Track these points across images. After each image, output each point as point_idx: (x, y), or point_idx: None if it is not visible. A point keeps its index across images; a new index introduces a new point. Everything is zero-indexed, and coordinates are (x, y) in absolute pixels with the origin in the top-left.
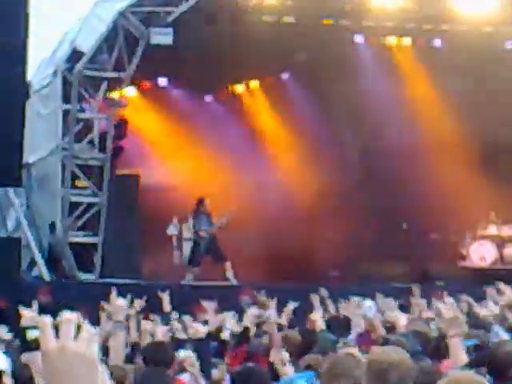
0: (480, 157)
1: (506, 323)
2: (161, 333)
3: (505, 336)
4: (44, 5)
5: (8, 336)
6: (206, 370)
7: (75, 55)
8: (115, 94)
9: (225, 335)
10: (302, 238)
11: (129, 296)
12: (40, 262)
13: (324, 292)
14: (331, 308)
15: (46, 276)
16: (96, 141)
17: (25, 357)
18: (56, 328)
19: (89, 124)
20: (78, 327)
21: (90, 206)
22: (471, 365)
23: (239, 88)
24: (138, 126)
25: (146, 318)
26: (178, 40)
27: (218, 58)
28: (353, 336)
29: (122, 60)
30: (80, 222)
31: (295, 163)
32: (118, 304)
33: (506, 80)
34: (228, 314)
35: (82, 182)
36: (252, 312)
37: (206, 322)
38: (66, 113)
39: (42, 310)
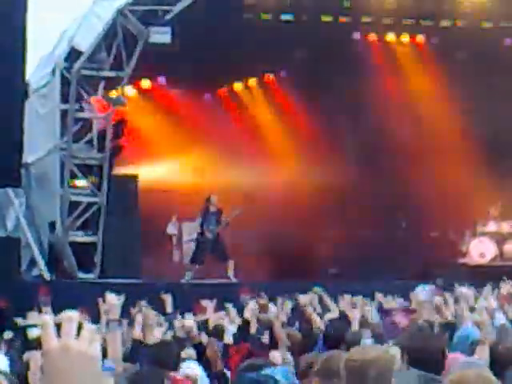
0: (479, 153)
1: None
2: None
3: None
4: (42, 3)
5: (9, 336)
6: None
7: (74, 54)
8: (114, 93)
9: (227, 338)
10: (302, 236)
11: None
12: (40, 261)
13: (319, 290)
14: (331, 306)
15: (46, 275)
16: (95, 140)
17: (25, 355)
18: (57, 327)
19: (87, 123)
20: (80, 326)
21: (89, 205)
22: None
23: (238, 86)
24: (137, 125)
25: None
26: (176, 38)
27: (217, 56)
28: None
29: (121, 59)
30: (79, 222)
31: (294, 161)
32: (113, 302)
33: (505, 76)
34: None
35: (81, 182)
36: (252, 305)
37: (206, 321)
38: (64, 112)
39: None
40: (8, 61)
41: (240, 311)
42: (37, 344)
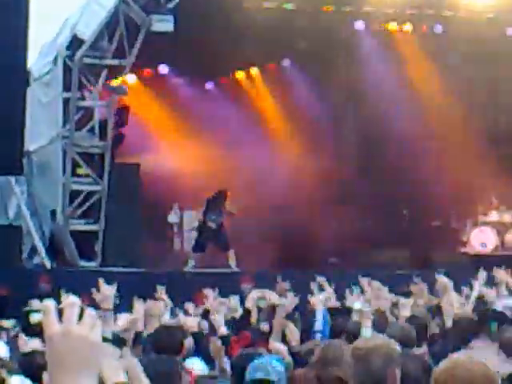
0: (481, 143)
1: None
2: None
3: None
4: None
5: (9, 324)
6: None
7: (76, 42)
8: (116, 82)
9: (222, 331)
10: (303, 225)
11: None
12: (41, 249)
13: (322, 280)
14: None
15: (47, 264)
16: (96, 129)
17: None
18: (59, 312)
19: (89, 112)
20: (81, 311)
21: (90, 193)
22: None
23: (240, 75)
24: (139, 114)
25: None
26: (179, 27)
27: (219, 45)
28: None
29: (123, 47)
30: (81, 210)
31: (296, 150)
32: (106, 292)
33: (506, 66)
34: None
35: (83, 170)
36: (253, 295)
37: (206, 311)
38: (66, 100)
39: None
40: (10, 49)
41: (241, 300)
42: (39, 329)
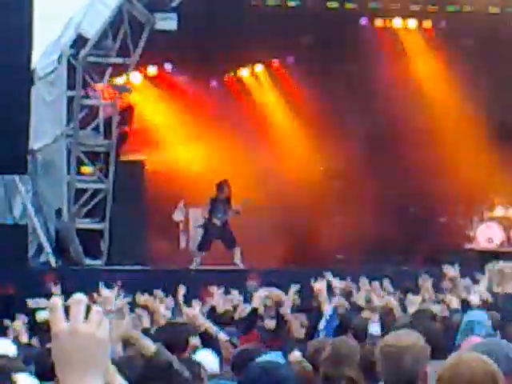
0: (487, 139)
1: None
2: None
3: None
4: None
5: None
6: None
7: (80, 41)
8: (120, 80)
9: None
10: (309, 222)
11: None
12: (47, 248)
13: (330, 277)
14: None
15: (53, 262)
16: (101, 127)
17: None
18: (66, 310)
19: (94, 110)
20: (88, 309)
21: (96, 192)
22: None
23: (244, 72)
24: (144, 112)
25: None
26: (183, 25)
27: (223, 42)
28: None
29: (127, 46)
30: (86, 209)
31: (301, 147)
32: (106, 295)
33: (511, 61)
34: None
35: (88, 169)
36: (260, 294)
37: (213, 308)
38: (70, 99)
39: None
40: (14, 48)
41: (246, 297)
42: (46, 327)
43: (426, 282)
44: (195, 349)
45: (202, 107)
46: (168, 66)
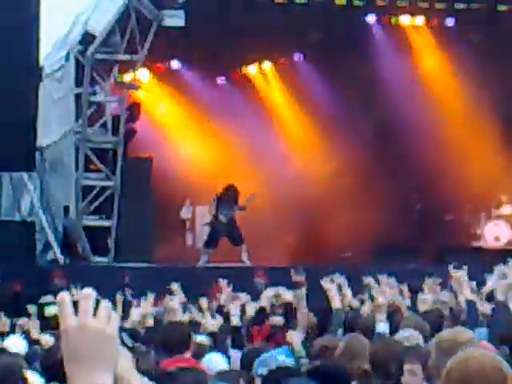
0: (495, 136)
1: None
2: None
3: None
4: None
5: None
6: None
7: (87, 38)
8: (127, 77)
9: (235, 321)
10: (316, 220)
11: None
12: (54, 245)
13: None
14: (348, 294)
15: (61, 259)
16: (109, 124)
17: None
18: (75, 305)
19: (101, 107)
20: (97, 304)
21: (103, 189)
22: None
23: (252, 69)
24: (151, 109)
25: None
26: (190, 22)
27: (230, 39)
28: None
29: (135, 43)
30: (93, 206)
31: (309, 144)
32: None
33: None
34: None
35: (96, 166)
36: (268, 293)
37: (221, 307)
38: (78, 96)
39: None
40: (22, 45)
41: (252, 294)
42: (54, 322)
43: (432, 282)
44: (204, 348)
45: (209, 104)
46: (175, 63)
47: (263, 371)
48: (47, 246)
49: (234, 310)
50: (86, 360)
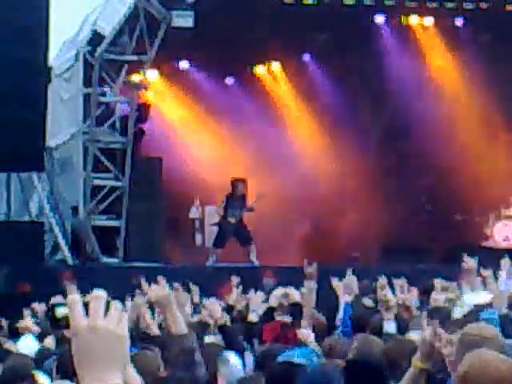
0: (504, 135)
1: None
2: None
3: None
4: None
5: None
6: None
7: (96, 38)
8: (136, 78)
9: (252, 317)
10: (325, 220)
11: None
12: (63, 246)
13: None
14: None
15: (70, 260)
16: (117, 124)
17: None
18: (85, 306)
19: (110, 107)
20: (107, 305)
21: (112, 189)
22: None
23: (260, 70)
24: (160, 110)
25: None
26: (199, 22)
27: (239, 39)
28: None
29: (143, 43)
30: (102, 206)
31: (317, 143)
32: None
33: None
34: (255, 295)
35: (104, 166)
36: (277, 293)
37: (230, 306)
38: (87, 96)
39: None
40: (31, 45)
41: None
42: (65, 323)
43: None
44: (220, 349)
45: (218, 104)
46: (184, 64)
47: (282, 371)
48: (56, 247)
49: (253, 306)
50: (97, 361)
